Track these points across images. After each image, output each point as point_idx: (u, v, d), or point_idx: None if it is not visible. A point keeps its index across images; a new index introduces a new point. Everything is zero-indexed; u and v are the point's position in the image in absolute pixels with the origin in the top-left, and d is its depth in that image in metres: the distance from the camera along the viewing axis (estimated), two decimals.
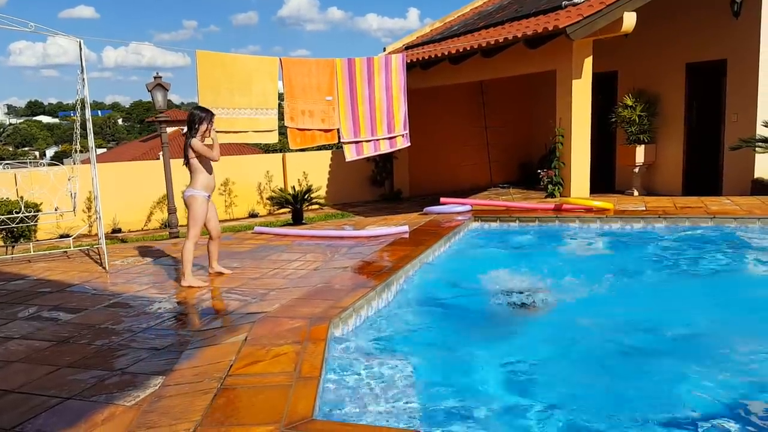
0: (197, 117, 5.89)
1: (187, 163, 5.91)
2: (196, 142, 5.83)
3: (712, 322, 4.72)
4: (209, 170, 5.95)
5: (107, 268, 6.94)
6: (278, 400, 3.13)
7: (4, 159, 24.46)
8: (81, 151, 7.67)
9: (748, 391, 3.57)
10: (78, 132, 7.45)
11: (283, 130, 8.41)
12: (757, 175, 10.18)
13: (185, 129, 5.98)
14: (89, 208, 11.07)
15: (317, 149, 13.83)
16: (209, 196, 6.02)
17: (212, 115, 6.04)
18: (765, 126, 9.35)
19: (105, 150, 47.18)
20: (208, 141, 6.03)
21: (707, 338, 4.42)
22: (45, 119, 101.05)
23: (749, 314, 4.90)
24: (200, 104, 7.79)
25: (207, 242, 6.36)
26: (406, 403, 3.46)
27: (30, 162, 9.67)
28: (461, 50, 11.01)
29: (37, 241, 9.17)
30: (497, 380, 3.81)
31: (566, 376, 3.85)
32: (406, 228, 7.94)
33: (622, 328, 4.70)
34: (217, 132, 7.78)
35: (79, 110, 7.30)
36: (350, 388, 3.63)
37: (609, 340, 4.47)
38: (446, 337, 4.59)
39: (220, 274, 6.28)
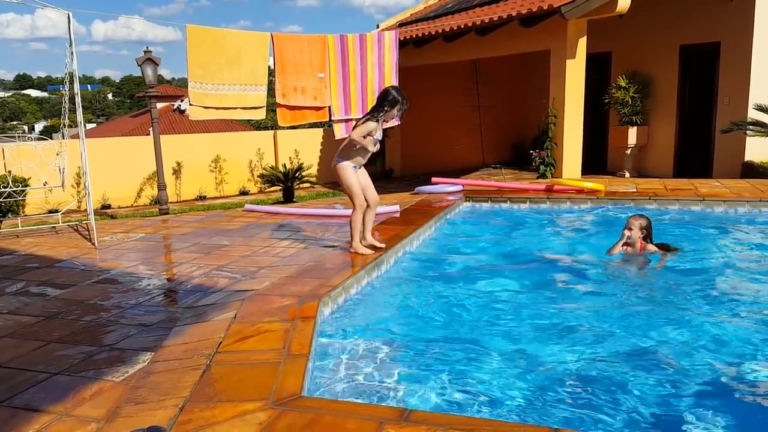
0: (393, 99, 5.42)
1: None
2: (358, 135, 5.41)
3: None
4: (365, 153, 5.61)
5: (96, 244, 6.91)
6: (267, 377, 3.15)
7: None
8: (70, 126, 7.59)
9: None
10: (67, 106, 7.36)
11: (272, 107, 8.33)
12: (747, 158, 10.22)
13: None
14: (78, 184, 10.96)
15: (309, 127, 13.71)
16: (356, 167, 5.62)
17: (407, 106, 5.58)
18: (757, 109, 9.35)
19: (94, 125, 46.78)
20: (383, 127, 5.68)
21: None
22: (34, 93, 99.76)
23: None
24: (189, 79, 7.69)
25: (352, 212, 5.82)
26: (395, 380, 3.48)
27: (18, 136, 9.52)
28: (455, 28, 10.92)
29: (26, 216, 9.10)
30: (487, 356, 3.84)
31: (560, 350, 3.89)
32: (397, 207, 7.94)
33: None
34: (206, 107, 7.65)
35: (68, 84, 7.20)
36: (339, 365, 3.65)
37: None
38: (435, 315, 4.62)
39: (374, 247, 5.72)
